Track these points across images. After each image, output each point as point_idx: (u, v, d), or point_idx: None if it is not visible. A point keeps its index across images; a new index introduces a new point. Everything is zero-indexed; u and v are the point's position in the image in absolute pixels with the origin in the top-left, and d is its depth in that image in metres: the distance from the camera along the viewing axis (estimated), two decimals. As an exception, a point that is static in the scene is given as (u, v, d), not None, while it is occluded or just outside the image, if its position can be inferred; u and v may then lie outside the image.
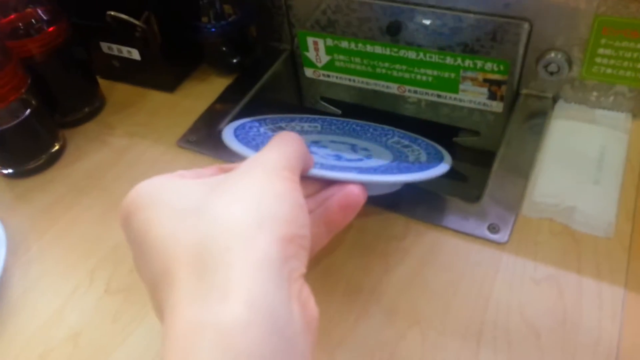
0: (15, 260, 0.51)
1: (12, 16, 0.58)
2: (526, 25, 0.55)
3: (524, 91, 0.61)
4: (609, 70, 0.55)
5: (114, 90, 0.70)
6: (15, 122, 0.57)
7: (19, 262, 0.51)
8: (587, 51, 0.55)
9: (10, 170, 0.60)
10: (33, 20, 0.59)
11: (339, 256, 0.48)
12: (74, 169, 0.60)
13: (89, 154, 0.62)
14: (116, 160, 0.60)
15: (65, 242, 0.52)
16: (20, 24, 0.58)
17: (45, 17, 0.59)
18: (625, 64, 0.54)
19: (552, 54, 0.56)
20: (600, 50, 0.54)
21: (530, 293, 0.43)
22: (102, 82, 0.70)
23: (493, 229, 0.48)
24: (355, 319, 0.43)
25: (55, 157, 0.61)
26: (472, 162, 0.72)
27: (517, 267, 0.45)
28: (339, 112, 0.77)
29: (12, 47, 0.57)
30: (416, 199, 0.52)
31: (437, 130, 0.71)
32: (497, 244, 0.47)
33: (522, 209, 0.50)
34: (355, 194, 0.36)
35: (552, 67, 0.57)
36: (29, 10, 0.58)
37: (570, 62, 0.56)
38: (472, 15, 0.57)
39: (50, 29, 0.60)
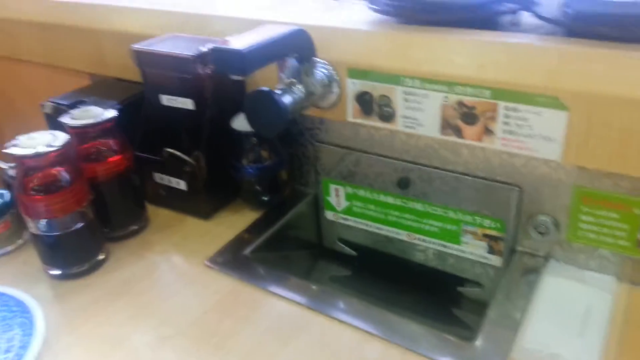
0: (47, 348, 0.56)
1: (89, 144, 0.70)
2: (516, 190, 0.64)
3: (519, 248, 0.68)
4: (592, 235, 0.62)
5: (158, 214, 0.80)
6: (70, 229, 0.66)
7: (50, 350, 0.56)
8: (571, 217, 0.62)
9: (57, 272, 0.68)
10: (104, 148, 0.71)
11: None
12: (112, 277, 0.68)
13: (127, 265, 0.70)
14: (148, 272, 0.68)
15: (93, 338, 0.58)
16: (93, 151, 0.70)
17: (114, 148, 0.72)
18: (605, 230, 0.61)
19: (541, 217, 0.64)
20: (583, 217, 0.62)
21: None
22: (148, 205, 0.80)
23: (481, 368, 0.52)
24: None
25: (97, 265, 0.69)
26: (474, 313, 0.76)
27: (499, 404, 0.48)
28: (355, 253, 0.85)
29: (83, 168, 0.68)
30: (416, 332, 0.57)
31: (443, 279, 0.77)
32: (483, 381, 0.50)
33: (512, 353, 0.53)
34: None
35: (542, 229, 0.64)
36: (103, 140, 0.71)
37: (557, 225, 0.64)
38: (469, 178, 0.66)
39: (116, 157, 0.71)
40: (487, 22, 0.62)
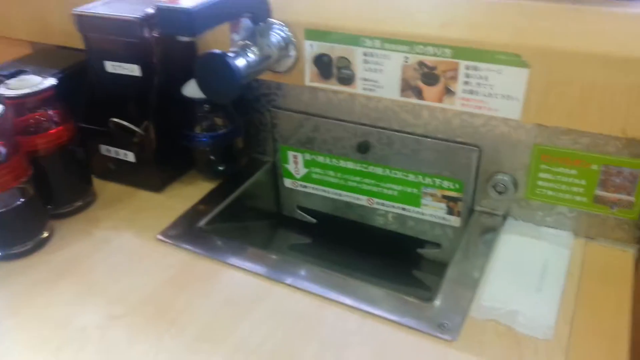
0: (-13, 335, 0.53)
1: (27, 116, 0.65)
2: (476, 150, 0.63)
3: (477, 208, 0.68)
4: (550, 192, 0.62)
5: (106, 189, 0.76)
6: (9, 207, 0.61)
7: (-10, 337, 0.53)
8: (529, 175, 0.62)
9: (-3, 253, 0.63)
10: (44, 120, 0.66)
11: (293, 345, 0.50)
12: (56, 256, 0.64)
13: (72, 243, 0.66)
14: (96, 250, 0.64)
15: (37, 321, 0.55)
16: (32, 122, 0.65)
17: (54, 119, 0.67)
18: (563, 187, 0.61)
19: (500, 176, 0.64)
20: (541, 175, 0.62)
21: (474, 388, 0.45)
22: (96, 180, 0.76)
23: (443, 327, 0.52)
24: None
25: (40, 244, 0.65)
26: (434, 274, 0.76)
27: (463, 364, 0.48)
28: (314, 221, 0.83)
29: (21, 141, 0.63)
30: (376, 295, 0.56)
31: (403, 242, 0.77)
32: (446, 341, 0.50)
33: (471, 311, 0.53)
34: None
35: (500, 188, 0.64)
36: (41, 112, 0.66)
37: (516, 184, 0.64)
38: (429, 140, 0.65)
39: (57, 129, 0.67)
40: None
